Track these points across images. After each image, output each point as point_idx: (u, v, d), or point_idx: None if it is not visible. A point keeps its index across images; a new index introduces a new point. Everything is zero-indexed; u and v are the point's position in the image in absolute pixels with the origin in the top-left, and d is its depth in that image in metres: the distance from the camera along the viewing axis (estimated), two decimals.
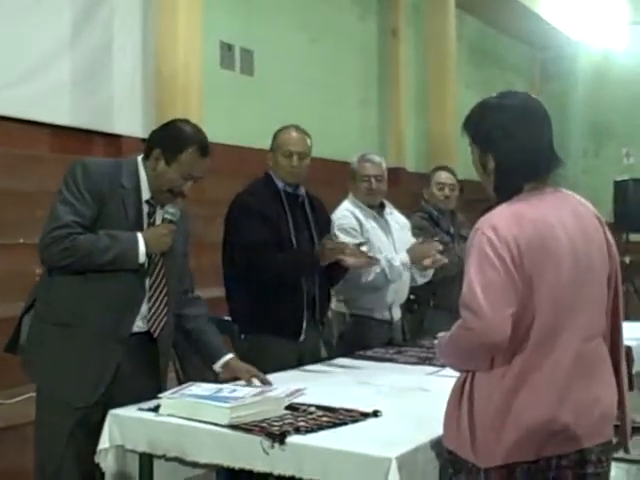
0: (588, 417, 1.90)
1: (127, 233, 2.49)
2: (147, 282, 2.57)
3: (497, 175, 1.99)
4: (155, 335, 2.60)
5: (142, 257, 2.49)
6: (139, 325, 2.58)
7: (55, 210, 2.45)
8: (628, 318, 2.94)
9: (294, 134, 3.28)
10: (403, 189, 7.82)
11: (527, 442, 1.85)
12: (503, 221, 1.89)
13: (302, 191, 3.34)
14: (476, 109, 2.04)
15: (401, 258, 3.60)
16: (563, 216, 1.94)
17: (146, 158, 2.59)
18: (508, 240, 1.85)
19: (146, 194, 2.58)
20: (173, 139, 2.56)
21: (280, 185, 3.26)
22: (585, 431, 1.89)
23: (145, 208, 2.58)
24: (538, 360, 1.87)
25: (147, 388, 2.52)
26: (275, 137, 3.31)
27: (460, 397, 1.94)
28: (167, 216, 2.57)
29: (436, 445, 2.10)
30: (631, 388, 2.25)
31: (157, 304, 2.59)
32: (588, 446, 1.91)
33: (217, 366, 2.72)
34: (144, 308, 2.57)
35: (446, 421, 1.97)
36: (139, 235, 2.49)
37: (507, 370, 1.87)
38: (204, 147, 2.58)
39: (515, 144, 1.95)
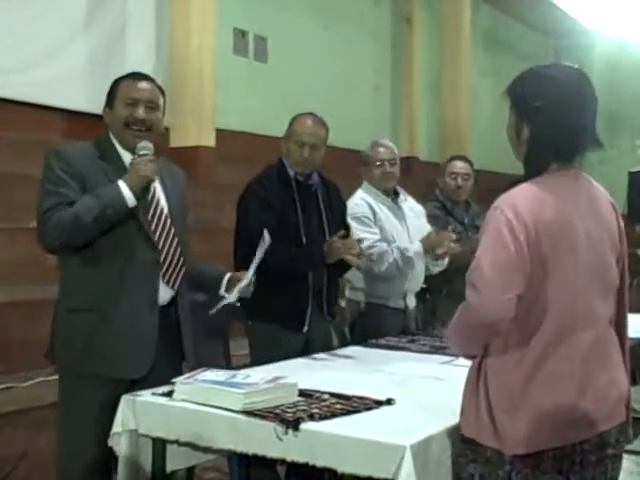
0: (606, 401, 1.90)
1: (108, 185, 2.46)
2: (157, 240, 2.55)
3: (529, 147, 1.95)
4: (175, 287, 2.59)
5: (130, 199, 2.43)
6: (164, 297, 2.58)
7: (39, 205, 2.47)
8: (638, 311, 2.93)
9: (309, 123, 3.23)
10: (415, 178, 7.80)
11: (550, 429, 1.85)
12: (523, 202, 1.85)
13: (315, 179, 3.30)
14: (524, 75, 2.00)
15: (415, 248, 3.59)
16: (580, 201, 1.93)
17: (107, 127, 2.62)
18: (527, 221, 1.82)
19: (127, 159, 2.56)
20: (109, 90, 2.63)
21: (292, 173, 3.24)
22: (604, 414, 1.90)
23: None
24: (558, 346, 1.86)
25: (171, 371, 2.52)
26: (290, 123, 3.28)
27: (477, 383, 1.92)
28: (141, 152, 2.50)
29: (451, 434, 2.09)
30: (634, 382, 2.24)
31: (171, 253, 2.57)
32: (607, 429, 1.91)
33: (222, 290, 2.75)
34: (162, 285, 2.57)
35: (464, 408, 1.96)
36: (119, 180, 2.45)
37: (525, 355, 1.86)
38: (134, 74, 2.64)
39: (553, 118, 1.90)
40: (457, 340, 1.99)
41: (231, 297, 2.70)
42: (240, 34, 7.16)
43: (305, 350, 3.13)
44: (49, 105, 5.47)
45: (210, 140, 6.33)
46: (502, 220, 1.83)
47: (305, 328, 3.14)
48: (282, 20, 7.48)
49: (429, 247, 3.61)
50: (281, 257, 3.07)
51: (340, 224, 3.35)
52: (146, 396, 2.39)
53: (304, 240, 3.18)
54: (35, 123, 5.36)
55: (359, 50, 8.54)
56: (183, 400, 2.32)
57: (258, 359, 2.99)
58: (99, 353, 2.48)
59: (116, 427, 2.38)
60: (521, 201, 1.86)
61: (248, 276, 2.71)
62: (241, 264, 3.21)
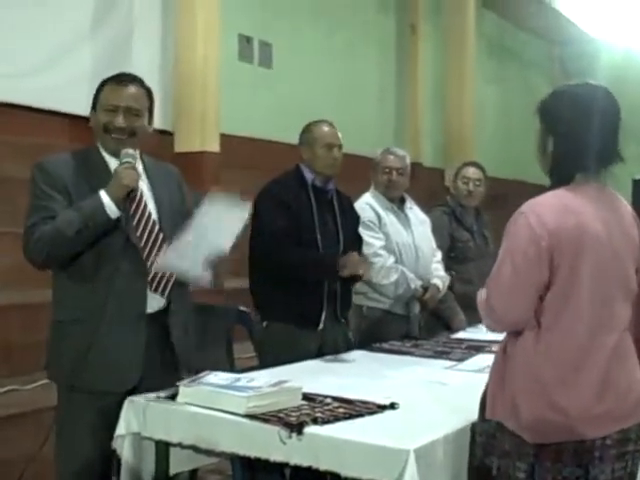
0: (627, 399, 2.00)
1: (90, 196, 2.40)
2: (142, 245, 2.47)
3: (553, 159, 2.06)
4: (165, 294, 2.50)
5: (110, 208, 2.38)
6: (152, 306, 2.52)
7: (25, 220, 2.45)
8: None
9: (330, 127, 3.31)
10: (419, 184, 7.77)
11: (570, 424, 1.93)
12: (547, 209, 1.96)
13: (331, 186, 3.33)
14: (551, 92, 2.12)
15: (417, 285, 3.63)
16: (603, 210, 2.01)
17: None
18: (549, 227, 1.92)
19: (114, 165, 2.49)
20: (95, 91, 2.56)
21: (309, 178, 3.26)
22: (625, 412, 1.99)
23: None
24: (584, 347, 1.95)
25: (167, 378, 2.49)
26: (309, 131, 3.31)
27: (504, 370, 2.02)
28: (123, 160, 2.44)
29: (455, 438, 2.10)
30: None
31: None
32: (629, 425, 2.00)
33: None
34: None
35: (490, 392, 2.04)
36: (100, 191, 2.40)
37: (551, 355, 1.95)
38: (118, 77, 2.55)
39: (569, 131, 2.01)
40: (485, 322, 2.11)
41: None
42: (245, 40, 7.18)
43: (320, 351, 3.15)
44: (55, 110, 5.48)
45: (215, 145, 6.34)
46: (525, 224, 1.95)
47: (320, 327, 3.15)
48: (287, 26, 7.49)
49: (423, 300, 3.67)
50: (292, 260, 3.09)
51: (353, 234, 3.38)
52: (150, 399, 2.39)
53: (320, 243, 3.18)
54: (40, 128, 5.37)
55: (364, 57, 8.55)
56: (186, 403, 2.32)
57: (273, 359, 2.98)
58: (84, 366, 2.43)
59: (119, 430, 2.38)
60: (545, 207, 1.97)
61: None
62: (255, 270, 3.22)
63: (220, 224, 2.45)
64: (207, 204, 2.42)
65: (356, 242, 3.37)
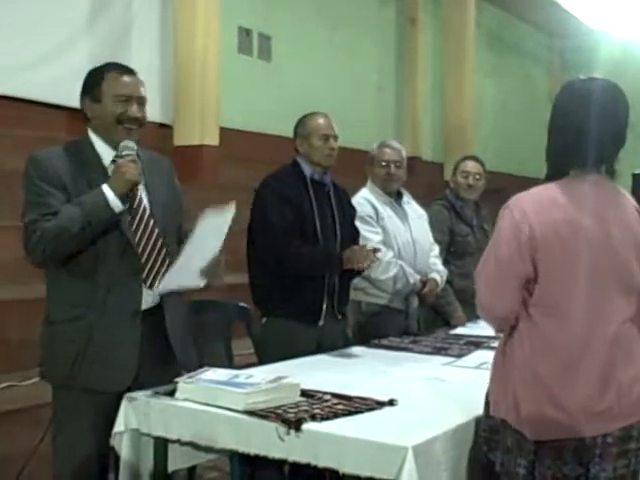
0: (629, 396, 1.97)
1: (90, 191, 2.37)
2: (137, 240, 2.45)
3: (548, 152, 2.06)
4: (156, 287, 2.47)
5: (115, 204, 2.35)
6: (147, 301, 2.50)
7: (22, 217, 2.41)
8: None
9: (325, 119, 3.30)
10: (419, 178, 7.78)
11: (569, 421, 1.93)
12: (532, 203, 1.97)
13: (328, 179, 3.33)
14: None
15: (416, 279, 3.62)
16: (600, 206, 1.99)
17: (88, 120, 2.51)
18: (532, 221, 1.93)
19: (108, 157, 2.47)
20: (89, 81, 2.51)
21: (307, 172, 3.26)
22: (627, 410, 1.97)
23: (111, 170, 2.45)
24: (579, 341, 1.94)
25: (164, 374, 2.48)
26: (304, 124, 3.30)
27: (503, 366, 2.03)
28: (123, 153, 2.41)
29: (453, 435, 2.09)
30: None
31: (153, 257, 2.46)
32: (631, 423, 1.98)
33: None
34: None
35: (492, 390, 2.06)
36: (103, 186, 2.35)
37: (546, 349, 1.95)
38: (121, 66, 2.52)
39: (559, 124, 2.01)
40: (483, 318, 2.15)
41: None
42: (244, 33, 7.16)
43: (318, 347, 3.15)
44: (54, 103, 5.47)
45: (214, 139, 6.34)
46: (509, 219, 1.97)
47: (320, 323, 3.16)
48: (286, 19, 7.48)
49: (422, 295, 3.66)
50: (298, 258, 3.09)
51: (350, 227, 3.37)
52: (148, 395, 2.39)
53: (320, 237, 3.18)
54: (40, 121, 5.37)
55: (363, 50, 8.53)
56: (185, 399, 2.32)
57: (272, 355, 2.99)
58: (82, 364, 2.41)
59: (118, 427, 2.38)
60: (530, 202, 1.97)
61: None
62: (255, 266, 3.22)
63: (210, 233, 2.46)
64: (200, 224, 2.41)
65: (353, 235, 3.37)
